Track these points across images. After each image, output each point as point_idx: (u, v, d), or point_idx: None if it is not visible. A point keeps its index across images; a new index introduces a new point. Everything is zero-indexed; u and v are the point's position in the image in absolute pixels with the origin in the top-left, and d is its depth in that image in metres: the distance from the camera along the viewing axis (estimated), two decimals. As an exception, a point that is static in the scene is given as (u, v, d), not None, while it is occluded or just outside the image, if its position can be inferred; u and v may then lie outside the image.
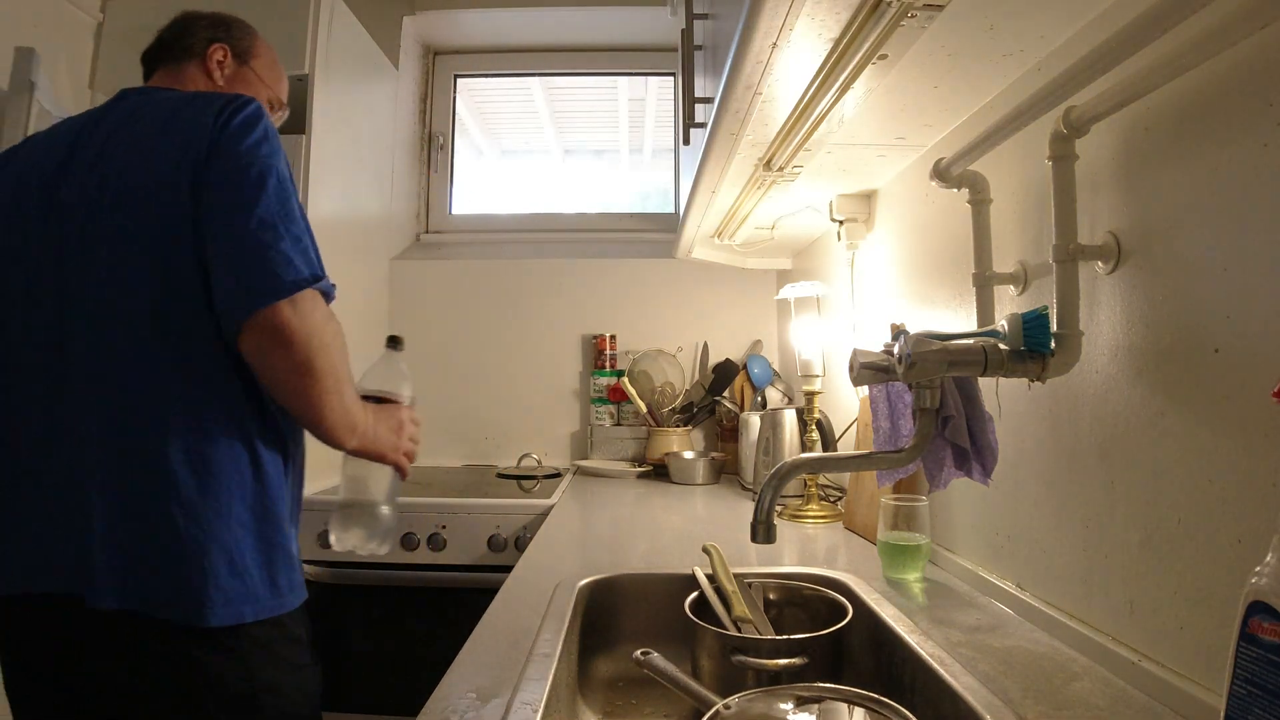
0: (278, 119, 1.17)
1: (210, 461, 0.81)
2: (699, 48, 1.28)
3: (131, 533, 0.78)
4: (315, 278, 0.85)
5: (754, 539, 0.79)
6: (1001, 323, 0.75)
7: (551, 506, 1.63)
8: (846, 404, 1.56)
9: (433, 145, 2.57)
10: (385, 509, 0.98)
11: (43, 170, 0.90)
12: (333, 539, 0.97)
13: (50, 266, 0.86)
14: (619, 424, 2.29)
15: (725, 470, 2.05)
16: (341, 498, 0.98)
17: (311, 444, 0.92)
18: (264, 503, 0.84)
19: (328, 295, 0.88)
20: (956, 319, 1.03)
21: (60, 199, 0.87)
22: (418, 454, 1.05)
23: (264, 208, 0.84)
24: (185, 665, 0.78)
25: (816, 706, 0.62)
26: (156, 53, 1.08)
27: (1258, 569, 0.43)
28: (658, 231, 2.49)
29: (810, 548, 1.23)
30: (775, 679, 0.76)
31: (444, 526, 1.64)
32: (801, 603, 0.94)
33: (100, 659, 0.79)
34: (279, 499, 0.86)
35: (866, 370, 0.83)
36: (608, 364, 2.30)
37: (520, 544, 1.61)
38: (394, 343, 1.06)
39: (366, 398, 0.95)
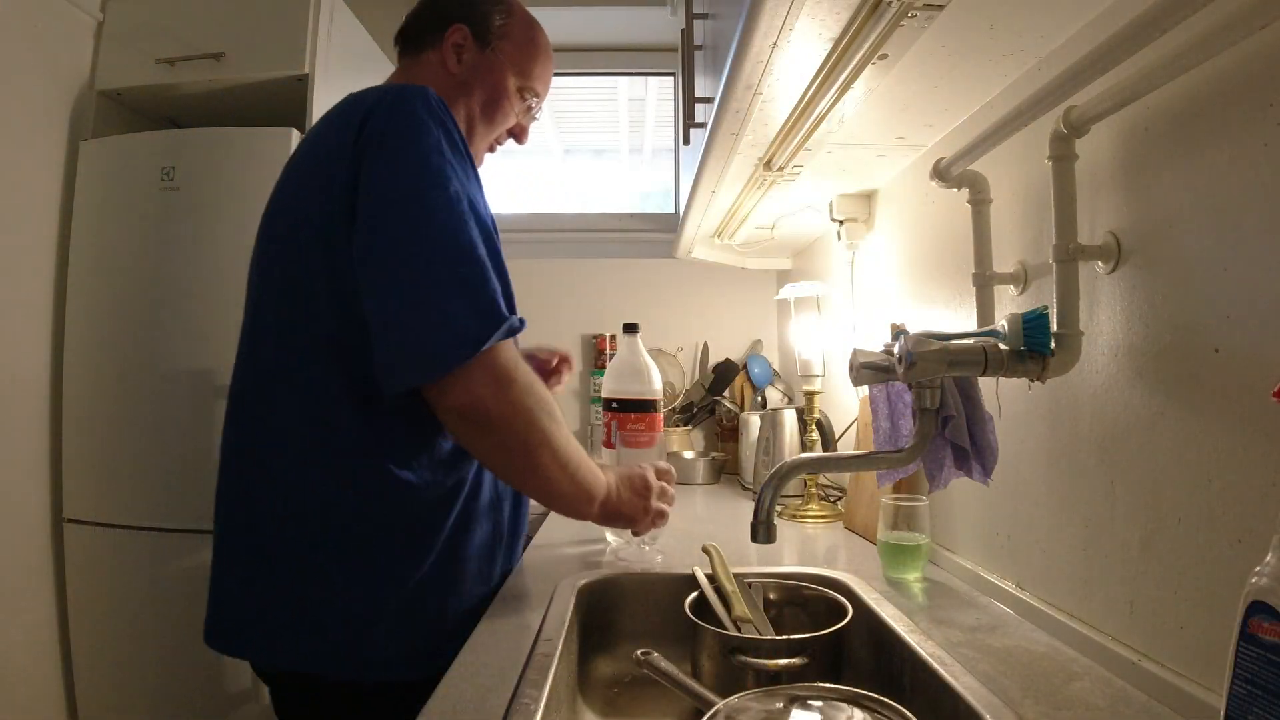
0: (527, 114, 0.94)
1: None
2: (699, 48, 1.28)
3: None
4: (491, 327, 0.69)
5: (754, 539, 0.79)
6: (1001, 323, 0.75)
7: (551, 506, 1.62)
8: (846, 404, 1.56)
9: (433, 145, 2.57)
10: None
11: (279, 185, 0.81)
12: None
13: (249, 294, 0.80)
14: (619, 424, 2.28)
15: (725, 470, 2.05)
16: None
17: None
18: None
19: (513, 331, 0.73)
20: (956, 319, 1.03)
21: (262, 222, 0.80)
22: (669, 513, 0.96)
23: (416, 246, 0.68)
24: None
25: (816, 706, 0.62)
26: (400, 38, 0.88)
27: (1258, 569, 0.43)
28: (658, 231, 2.48)
29: (810, 548, 1.23)
30: (775, 679, 0.76)
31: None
32: (801, 603, 0.94)
33: None
34: None
35: (866, 370, 0.83)
36: (608, 364, 2.29)
37: (520, 544, 1.61)
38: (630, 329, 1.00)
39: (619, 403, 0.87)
